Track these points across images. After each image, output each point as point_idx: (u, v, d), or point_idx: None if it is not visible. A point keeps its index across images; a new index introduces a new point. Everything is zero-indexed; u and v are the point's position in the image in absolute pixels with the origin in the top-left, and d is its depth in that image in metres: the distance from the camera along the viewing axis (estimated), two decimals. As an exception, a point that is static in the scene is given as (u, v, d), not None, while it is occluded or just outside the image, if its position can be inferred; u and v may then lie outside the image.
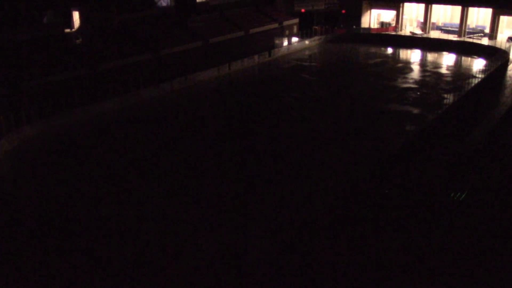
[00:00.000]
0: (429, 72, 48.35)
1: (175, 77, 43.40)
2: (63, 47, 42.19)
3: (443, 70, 49.51)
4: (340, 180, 24.87)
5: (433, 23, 63.20)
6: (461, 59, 54.33)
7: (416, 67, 51.16)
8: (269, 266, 18.02)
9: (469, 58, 53.77)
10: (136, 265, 18.52)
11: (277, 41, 58.81)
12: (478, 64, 49.60)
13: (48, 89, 36.48)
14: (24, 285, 17.56)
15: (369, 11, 67.05)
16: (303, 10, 66.47)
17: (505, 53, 47.85)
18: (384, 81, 45.08)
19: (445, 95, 37.60)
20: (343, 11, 66.30)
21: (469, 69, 49.52)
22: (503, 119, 31.53)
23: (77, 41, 44.23)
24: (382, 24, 66.12)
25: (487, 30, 58.31)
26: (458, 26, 59.64)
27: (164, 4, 56.82)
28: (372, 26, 66.81)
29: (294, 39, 60.45)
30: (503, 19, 57.83)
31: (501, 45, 51.58)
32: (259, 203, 23.03)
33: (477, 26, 61.15)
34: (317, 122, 34.33)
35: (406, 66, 51.76)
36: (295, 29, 64.82)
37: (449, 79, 45.69)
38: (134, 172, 26.80)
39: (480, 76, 40.90)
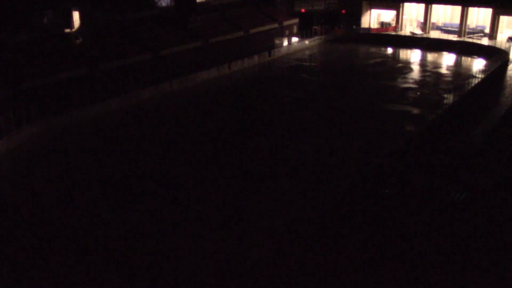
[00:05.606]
0: (429, 72, 48.35)
1: (175, 77, 43.42)
2: (63, 47, 42.19)
3: (443, 70, 49.52)
4: (340, 180, 24.87)
5: (433, 23, 63.22)
6: (461, 59, 54.34)
7: (416, 67, 51.16)
8: (270, 266, 18.02)
9: (469, 58, 53.79)
10: (136, 265, 18.51)
11: (277, 41, 58.85)
12: (478, 64, 49.60)
13: (48, 89, 36.48)
14: (24, 284, 17.57)
15: (369, 11, 67.07)
16: (303, 10, 66.51)
17: (505, 53, 47.85)
18: (384, 81, 45.08)
19: (445, 95, 37.60)
20: (343, 11, 66.35)
21: (469, 69, 49.53)
22: (503, 119, 31.52)
23: (77, 41, 44.23)
24: (382, 24, 66.15)
25: (487, 30, 58.33)
26: (458, 26, 59.65)
27: (164, 4, 56.84)
28: (372, 26, 66.83)
29: (294, 39, 60.48)
30: (503, 19, 57.87)
31: (501, 45, 51.58)
32: (260, 203, 23.02)
33: (477, 26, 61.17)
34: (317, 122, 34.33)
35: (406, 66, 51.76)
36: (295, 29, 64.84)
37: (449, 79, 45.70)
38: (134, 173, 26.78)
39: (480, 76, 40.90)
